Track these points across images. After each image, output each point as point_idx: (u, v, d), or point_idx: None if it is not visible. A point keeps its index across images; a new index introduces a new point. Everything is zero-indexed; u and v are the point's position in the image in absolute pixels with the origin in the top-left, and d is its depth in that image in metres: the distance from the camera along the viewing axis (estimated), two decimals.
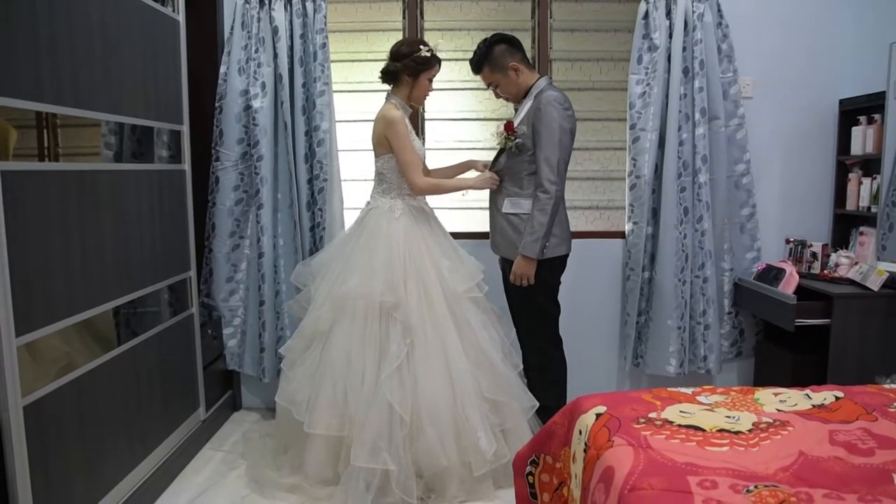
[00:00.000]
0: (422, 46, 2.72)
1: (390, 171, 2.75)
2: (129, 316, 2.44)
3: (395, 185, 2.76)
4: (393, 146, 2.70)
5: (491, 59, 2.78)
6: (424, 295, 2.62)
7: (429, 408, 2.50)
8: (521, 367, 2.78)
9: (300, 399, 2.61)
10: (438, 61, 2.78)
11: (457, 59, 3.43)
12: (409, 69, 2.72)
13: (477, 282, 2.74)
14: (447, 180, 2.92)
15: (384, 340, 2.56)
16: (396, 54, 2.74)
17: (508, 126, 2.75)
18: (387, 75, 2.78)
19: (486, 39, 2.81)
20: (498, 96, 2.89)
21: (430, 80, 2.79)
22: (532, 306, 2.83)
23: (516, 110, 2.87)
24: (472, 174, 2.95)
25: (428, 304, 2.61)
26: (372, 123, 2.79)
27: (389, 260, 2.61)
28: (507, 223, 2.79)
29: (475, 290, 2.72)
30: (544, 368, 2.86)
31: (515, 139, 2.73)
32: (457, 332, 2.62)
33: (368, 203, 2.82)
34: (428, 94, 2.85)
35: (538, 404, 2.70)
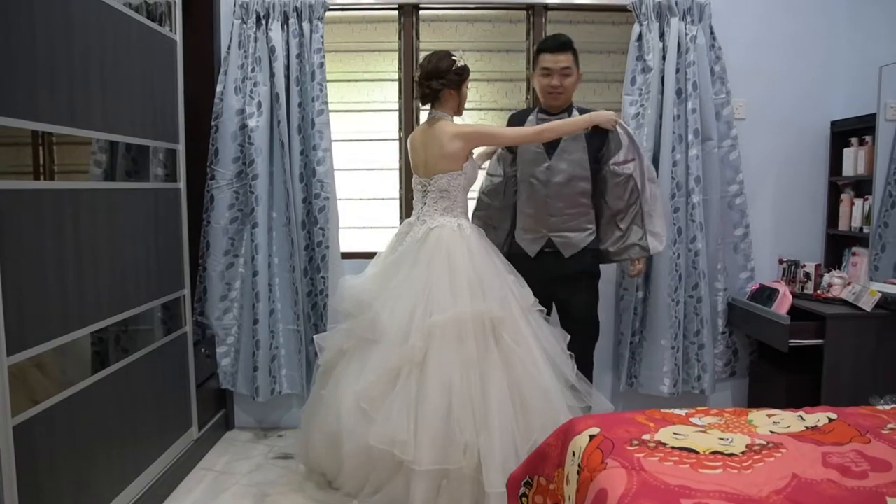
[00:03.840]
0: (454, 58, 2.68)
1: (456, 188, 2.69)
2: (122, 334, 2.43)
3: (458, 203, 2.71)
4: (489, 142, 2.85)
5: (577, 53, 2.84)
6: (516, 308, 2.60)
7: (539, 420, 2.45)
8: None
9: (403, 437, 2.39)
10: (468, 67, 2.76)
11: None
12: (452, 83, 2.67)
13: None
14: (557, 121, 2.78)
15: (483, 361, 2.48)
16: (435, 72, 2.66)
17: None
18: (430, 95, 2.70)
19: None
20: (555, 86, 2.80)
21: (468, 88, 2.78)
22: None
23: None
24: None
25: (518, 317, 2.58)
26: (416, 145, 2.78)
27: (479, 278, 2.56)
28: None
29: (538, 304, 2.71)
30: None
31: None
32: (537, 344, 2.58)
33: (424, 221, 2.70)
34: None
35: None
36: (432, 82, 2.67)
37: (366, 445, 2.45)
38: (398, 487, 2.47)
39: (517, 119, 2.98)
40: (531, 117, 2.91)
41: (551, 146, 2.81)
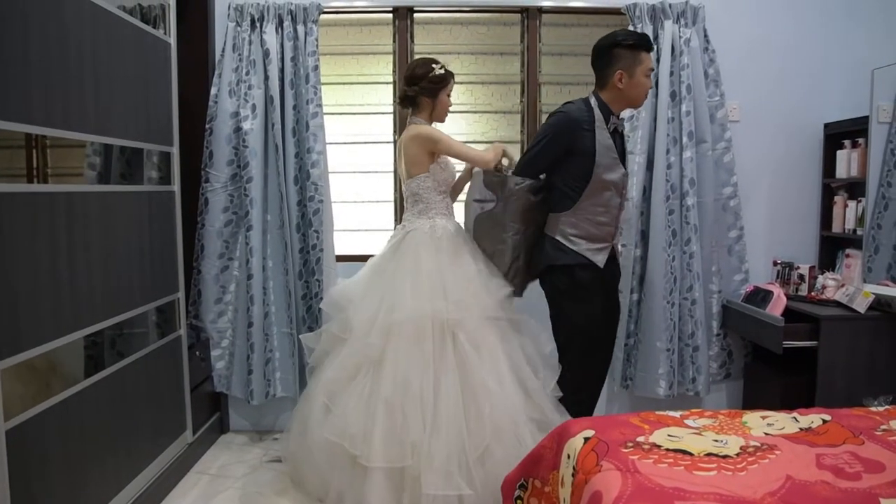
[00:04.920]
0: (434, 65, 2.69)
1: (426, 190, 2.70)
2: (116, 338, 2.42)
3: (431, 205, 2.71)
4: (442, 150, 2.67)
5: None
6: (477, 313, 2.57)
7: (494, 427, 2.43)
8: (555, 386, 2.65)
9: (354, 431, 2.43)
10: (452, 76, 2.75)
11: None
12: (426, 91, 2.69)
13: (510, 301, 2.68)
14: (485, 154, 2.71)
15: (438, 363, 2.49)
16: (412, 78, 2.70)
17: None
18: (406, 100, 2.75)
19: None
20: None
21: (449, 96, 2.75)
22: None
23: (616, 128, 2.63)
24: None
25: (479, 321, 2.57)
26: (395, 146, 2.79)
27: (441, 279, 2.56)
28: None
29: (513, 311, 2.67)
30: None
31: None
32: (503, 350, 2.56)
33: (403, 226, 2.75)
34: (448, 110, 2.79)
35: None
36: (408, 88, 2.72)
37: (324, 439, 2.50)
38: (361, 493, 2.44)
39: (577, 114, 2.54)
40: (599, 115, 2.53)
41: (621, 152, 2.60)
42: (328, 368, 2.67)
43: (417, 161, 2.69)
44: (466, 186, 2.87)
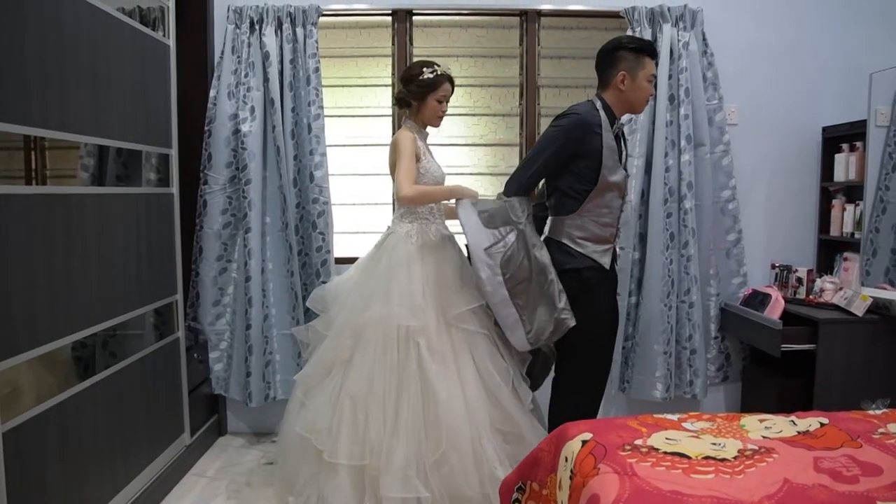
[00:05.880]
0: (425, 69, 2.65)
1: None
2: (114, 340, 2.42)
3: (410, 209, 2.69)
4: (398, 162, 2.62)
5: None
6: (443, 321, 2.55)
7: (450, 434, 2.43)
8: (530, 401, 2.64)
9: (321, 426, 2.49)
10: (448, 79, 2.69)
11: None
12: (414, 94, 2.67)
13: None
14: (434, 186, 2.67)
15: (403, 367, 2.50)
16: (403, 80, 2.71)
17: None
18: (399, 101, 2.76)
19: None
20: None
21: (441, 101, 2.68)
22: None
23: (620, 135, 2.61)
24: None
25: (447, 329, 2.55)
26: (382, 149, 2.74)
27: (409, 285, 2.56)
28: None
29: (486, 324, 2.61)
30: None
31: None
32: (472, 359, 2.55)
33: (389, 227, 2.77)
34: (441, 115, 2.72)
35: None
36: (400, 90, 2.74)
37: (295, 433, 2.55)
38: (326, 489, 2.47)
39: (588, 116, 2.47)
40: (604, 116, 2.48)
41: (621, 155, 2.55)
42: (307, 364, 2.72)
43: (396, 166, 2.68)
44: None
